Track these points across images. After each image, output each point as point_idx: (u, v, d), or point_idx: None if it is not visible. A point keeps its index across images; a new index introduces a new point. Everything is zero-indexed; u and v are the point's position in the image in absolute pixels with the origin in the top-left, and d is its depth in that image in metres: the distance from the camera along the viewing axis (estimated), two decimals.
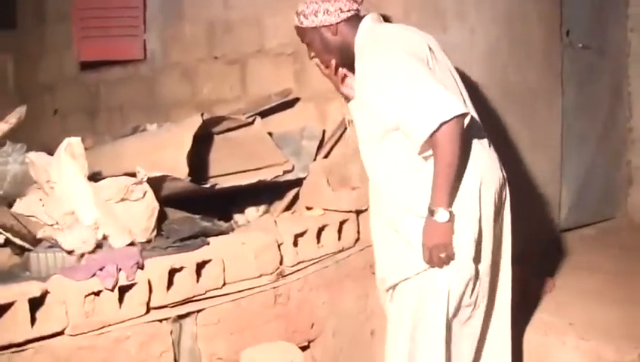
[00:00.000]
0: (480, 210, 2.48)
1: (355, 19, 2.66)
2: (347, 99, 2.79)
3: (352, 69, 2.68)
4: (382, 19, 2.72)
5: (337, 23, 2.64)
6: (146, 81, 4.76)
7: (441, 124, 2.29)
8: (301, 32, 2.73)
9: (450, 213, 2.39)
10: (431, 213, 2.40)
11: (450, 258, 2.43)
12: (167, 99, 4.56)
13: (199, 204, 3.38)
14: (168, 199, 3.27)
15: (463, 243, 2.45)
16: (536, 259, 3.96)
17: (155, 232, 3.10)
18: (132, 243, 2.94)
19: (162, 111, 4.50)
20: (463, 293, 2.50)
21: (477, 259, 2.49)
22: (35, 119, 5.35)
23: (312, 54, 2.76)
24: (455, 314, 2.53)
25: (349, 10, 2.64)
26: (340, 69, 2.74)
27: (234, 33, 4.13)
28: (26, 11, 6.08)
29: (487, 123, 3.66)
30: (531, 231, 4.03)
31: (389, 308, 2.70)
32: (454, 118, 2.30)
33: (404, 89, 2.36)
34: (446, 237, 2.40)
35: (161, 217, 3.19)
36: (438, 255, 2.41)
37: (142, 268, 2.72)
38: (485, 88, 3.71)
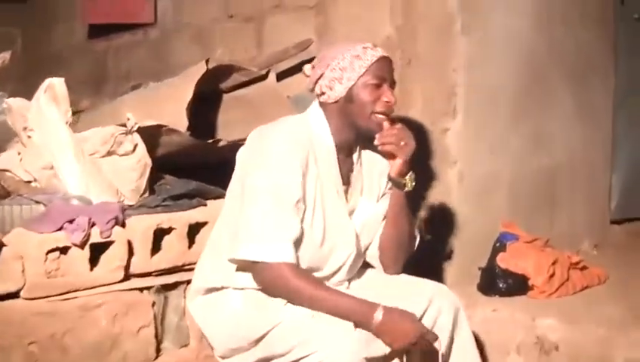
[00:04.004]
0: None
1: None
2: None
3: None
4: None
5: None
6: (156, 45, 4.38)
7: None
8: (392, 65, 2.09)
9: None
10: None
11: None
12: (177, 64, 4.12)
13: (202, 176, 2.93)
14: (165, 162, 2.85)
15: None
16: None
17: (146, 195, 2.67)
18: None
19: (172, 76, 4.08)
20: None
21: None
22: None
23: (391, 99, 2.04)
24: None
25: None
26: None
27: None
28: None
29: (532, 85, 3.28)
30: (579, 220, 3.61)
31: None
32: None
33: None
34: None
35: (156, 180, 2.77)
36: None
37: (122, 225, 2.30)
38: (534, 53, 3.26)
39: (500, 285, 2.84)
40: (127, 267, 2.28)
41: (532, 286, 2.82)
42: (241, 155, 2.05)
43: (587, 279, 2.95)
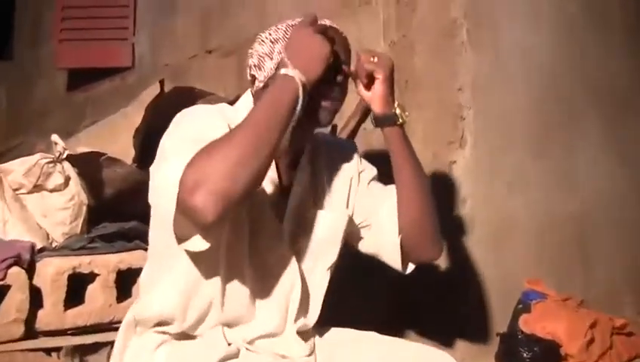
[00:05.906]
0: None
1: None
2: None
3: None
4: None
5: None
6: (134, 90, 3.96)
7: None
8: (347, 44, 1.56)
9: None
10: None
11: None
12: None
13: None
14: (116, 206, 2.37)
15: None
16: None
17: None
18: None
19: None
20: None
21: None
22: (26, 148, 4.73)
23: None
24: None
25: None
26: None
27: (231, 18, 3.39)
28: (21, 42, 5.64)
29: (555, 112, 2.78)
30: (618, 279, 3.04)
31: None
32: None
33: None
34: None
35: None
36: None
37: (27, 268, 1.78)
38: (557, 77, 2.80)
39: (524, 354, 2.29)
40: (29, 321, 1.76)
41: (565, 356, 2.28)
42: None
43: (636, 347, 2.40)
